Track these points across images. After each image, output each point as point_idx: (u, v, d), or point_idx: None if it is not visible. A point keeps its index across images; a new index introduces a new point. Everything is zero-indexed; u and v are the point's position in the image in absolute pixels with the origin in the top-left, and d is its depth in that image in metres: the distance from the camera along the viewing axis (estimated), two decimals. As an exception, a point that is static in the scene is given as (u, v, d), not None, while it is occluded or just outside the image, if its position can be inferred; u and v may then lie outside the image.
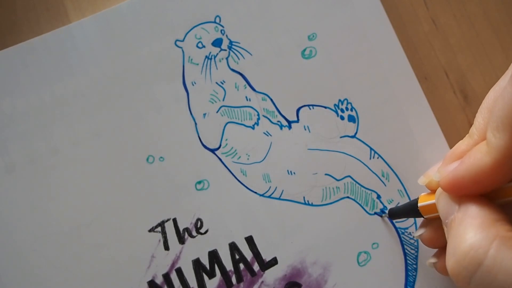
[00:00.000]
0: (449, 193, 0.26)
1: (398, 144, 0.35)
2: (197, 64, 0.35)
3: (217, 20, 0.35)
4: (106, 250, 0.33)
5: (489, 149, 0.23)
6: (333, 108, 0.35)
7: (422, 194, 0.30)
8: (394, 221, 0.34)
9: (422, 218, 0.30)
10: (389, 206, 0.34)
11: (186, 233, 0.34)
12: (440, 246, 0.31)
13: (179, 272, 0.33)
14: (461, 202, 0.25)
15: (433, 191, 0.29)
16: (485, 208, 0.24)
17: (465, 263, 0.23)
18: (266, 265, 0.34)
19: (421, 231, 0.31)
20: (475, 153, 0.24)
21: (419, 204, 0.29)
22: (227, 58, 0.35)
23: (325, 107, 0.35)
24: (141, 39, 0.35)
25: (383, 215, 0.34)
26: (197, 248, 0.34)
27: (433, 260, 0.31)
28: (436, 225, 0.30)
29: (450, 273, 0.24)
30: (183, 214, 0.34)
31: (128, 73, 0.35)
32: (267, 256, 0.34)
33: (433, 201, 0.28)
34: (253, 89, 0.35)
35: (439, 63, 0.36)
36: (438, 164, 0.30)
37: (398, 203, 0.34)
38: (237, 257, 0.34)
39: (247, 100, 0.35)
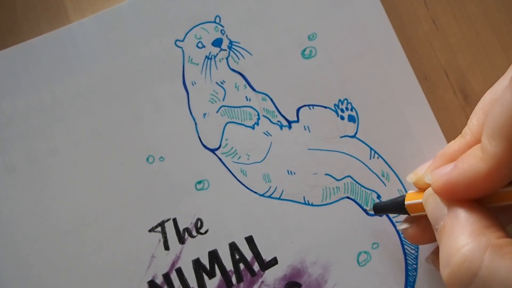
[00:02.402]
0: (440, 196, 0.26)
1: (398, 144, 0.35)
2: (197, 64, 0.35)
3: (217, 20, 0.35)
4: (106, 250, 0.33)
5: (484, 156, 0.23)
6: (333, 108, 0.35)
7: (410, 192, 0.30)
8: (377, 214, 0.34)
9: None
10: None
11: (186, 233, 0.34)
12: (423, 243, 0.31)
13: (179, 272, 0.33)
14: (451, 205, 0.25)
15: (421, 190, 0.29)
16: (475, 214, 0.24)
17: (460, 275, 0.23)
18: (266, 265, 0.34)
19: (405, 225, 0.31)
20: (469, 158, 0.24)
21: (406, 202, 0.29)
22: (227, 58, 0.35)
23: (325, 107, 0.35)
24: (141, 39, 0.35)
25: (368, 209, 0.34)
26: (197, 248, 0.34)
27: (432, 256, 0.31)
28: (421, 223, 0.30)
29: (446, 283, 0.24)
30: (183, 214, 0.34)
31: (128, 73, 0.35)
32: (267, 256, 0.34)
33: (420, 200, 0.28)
34: (253, 89, 0.35)
35: (439, 63, 0.36)
36: (428, 163, 0.30)
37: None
38: (237, 257, 0.34)
39: (247, 100, 0.35)
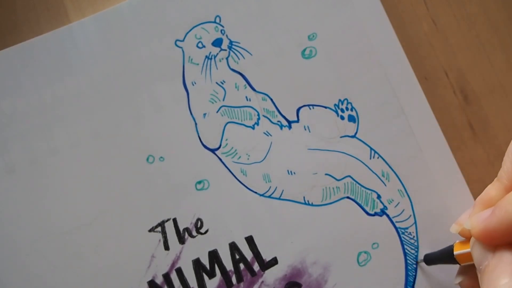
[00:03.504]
0: (480, 242, 0.26)
1: (398, 144, 0.35)
2: (197, 64, 0.35)
3: (217, 20, 0.35)
4: (106, 250, 0.33)
5: None
6: (333, 108, 0.35)
7: (457, 242, 0.30)
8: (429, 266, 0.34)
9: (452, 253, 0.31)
10: (389, 206, 0.34)
11: (186, 233, 0.34)
12: None
13: (179, 272, 0.33)
14: (496, 249, 0.25)
15: (467, 239, 0.29)
16: None
17: None
18: (266, 265, 0.34)
19: (459, 279, 0.31)
20: (506, 205, 0.25)
21: (455, 253, 0.29)
22: (227, 58, 0.35)
23: (325, 107, 0.35)
24: (141, 39, 0.35)
25: (419, 261, 0.34)
26: (197, 248, 0.34)
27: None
28: (474, 272, 0.30)
29: None
30: (183, 214, 0.34)
31: (128, 73, 0.35)
32: (267, 256, 0.34)
33: (468, 250, 0.28)
34: (253, 89, 0.35)
35: (439, 63, 0.36)
36: (469, 211, 0.30)
37: (398, 203, 0.34)
38: (237, 257, 0.34)
39: (247, 100, 0.35)
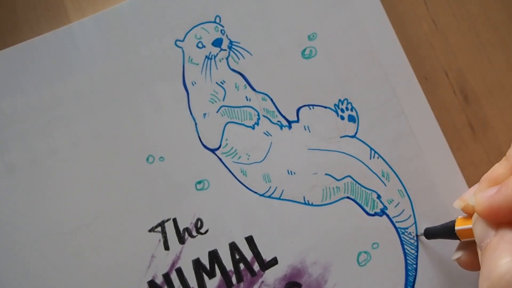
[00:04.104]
0: (483, 219, 0.26)
1: (398, 144, 0.35)
2: (197, 64, 0.35)
3: (217, 20, 0.35)
4: (106, 250, 0.33)
5: None
6: (333, 108, 0.35)
7: (459, 217, 0.30)
8: (430, 240, 0.34)
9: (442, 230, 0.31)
10: (389, 206, 0.34)
11: (186, 233, 0.34)
12: (478, 269, 0.31)
13: (179, 272, 0.33)
14: (499, 227, 0.25)
15: (469, 215, 0.29)
16: None
17: (499, 287, 0.23)
18: (266, 265, 0.34)
19: (458, 254, 0.31)
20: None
21: (456, 228, 0.29)
22: (227, 58, 0.35)
23: (325, 107, 0.35)
24: (141, 39, 0.35)
25: (419, 234, 0.34)
26: (197, 248, 0.34)
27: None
28: (474, 248, 0.30)
29: None
30: (183, 214, 0.34)
31: (128, 73, 0.35)
32: (267, 256, 0.34)
33: (470, 226, 0.28)
34: (253, 89, 0.35)
35: (439, 63, 0.36)
36: (474, 188, 0.30)
37: (398, 203, 0.34)
38: (237, 257, 0.34)
39: (247, 100, 0.35)
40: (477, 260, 0.30)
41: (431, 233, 0.33)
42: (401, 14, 0.37)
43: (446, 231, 0.31)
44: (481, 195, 0.26)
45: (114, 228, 0.33)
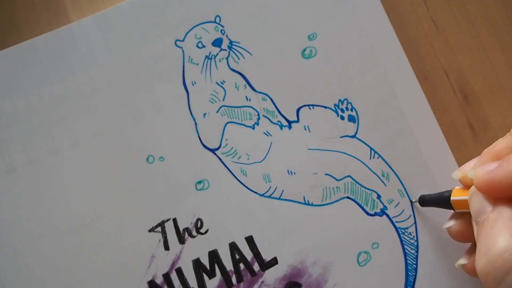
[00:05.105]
0: (482, 193, 0.26)
1: (398, 144, 0.35)
2: (197, 64, 0.35)
3: (217, 20, 0.35)
4: (106, 250, 0.33)
5: None
6: (333, 108, 0.35)
7: (456, 187, 0.30)
8: (424, 207, 0.34)
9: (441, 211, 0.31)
10: (389, 206, 0.34)
11: (186, 233, 0.34)
12: (467, 241, 0.31)
13: (179, 272, 0.33)
14: (496, 203, 0.25)
15: (466, 187, 0.29)
16: None
17: (497, 265, 0.23)
18: (266, 265, 0.34)
19: (450, 223, 0.31)
20: None
21: (451, 198, 0.29)
22: (227, 58, 0.35)
23: (325, 107, 0.35)
24: (141, 39, 0.35)
25: (414, 201, 0.34)
26: (197, 248, 0.34)
27: (462, 261, 0.31)
28: (466, 220, 0.30)
29: (480, 273, 0.24)
30: (183, 214, 0.34)
31: (128, 73, 0.35)
32: (267, 256, 0.34)
33: (466, 197, 0.28)
34: (253, 89, 0.35)
35: (439, 63, 0.36)
36: (474, 160, 0.30)
37: (398, 203, 0.34)
38: (237, 257, 0.34)
39: (247, 100, 0.35)
40: (468, 231, 0.29)
41: (426, 201, 0.33)
42: (401, 14, 0.37)
43: (441, 200, 0.30)
44: (481, 169, 0.26)
45: (114, 228, 0.33)
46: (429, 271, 0.34)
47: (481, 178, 0.25)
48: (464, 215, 0.30)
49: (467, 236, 0.30)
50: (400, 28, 0.36)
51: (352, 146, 0.35)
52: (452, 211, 0.30)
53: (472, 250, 0.31)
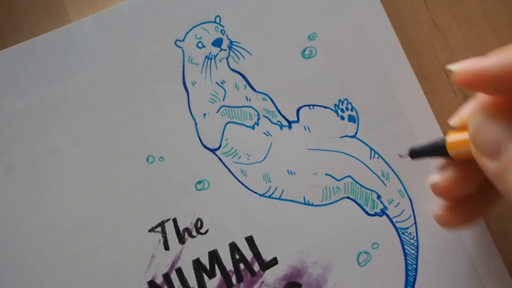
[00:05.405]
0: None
1: (398, 144, 0.35)
2: (197, 64, 0.35)
3: (217, 20, 0.35)
4: (106, 250, 0.33)
5: None
6: (333, 108, 0.35)
7: (450, 130, 0.27)
8: (416, 159, 0.31)
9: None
10: (389, 206, 0.34)
11: (186, 233, 0.34)
12: (453, 196, 0.27)
13: (179, 272, 0.33)
14: None
15: (465, 130, 0.25)
16: None
17: None
18: (266, 265, 0.34)
19: (435, 178, 0.28)
20: (506, 49, 0.21)
21: (448, 140, 0.26)
22: (227, 58, 0.35)
23: (325, 107, 0.35)
24: (141, 39, 0.35)
25: (403, 155, 0.31)
26: (197, 248, 0.34)
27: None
28: (457, 173, 0.26)
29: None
30: (183, 214, 0.34)
31: (128, 73, 0.35)
32: (267, 256, 0.34)
33: (465, 135, 0.24)
34: (253, 89, 0.35)
35: (439, 63, 0.36)
36: (470, 105, 0.27)
37: (398, 203, 0.34)
38: (237, 257, 0.34)
39: (247, 100, 0.35)
40: (456, 186, 0.26)
41: (416, 152, 0.30)
42: (401, 14, 0.37)
43: (435, 146, 0.28)
44: (465, 62, 0.22)
45: (114, 228, 0.33)
46: (429, 271, 0.34)
47: (465, 66, 0.21)
48: (451, 167, 0.27)
49: (455, 191, 0.27)
50: (400, 28, 0.36)
51: (352, 146, 0.35)
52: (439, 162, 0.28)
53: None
